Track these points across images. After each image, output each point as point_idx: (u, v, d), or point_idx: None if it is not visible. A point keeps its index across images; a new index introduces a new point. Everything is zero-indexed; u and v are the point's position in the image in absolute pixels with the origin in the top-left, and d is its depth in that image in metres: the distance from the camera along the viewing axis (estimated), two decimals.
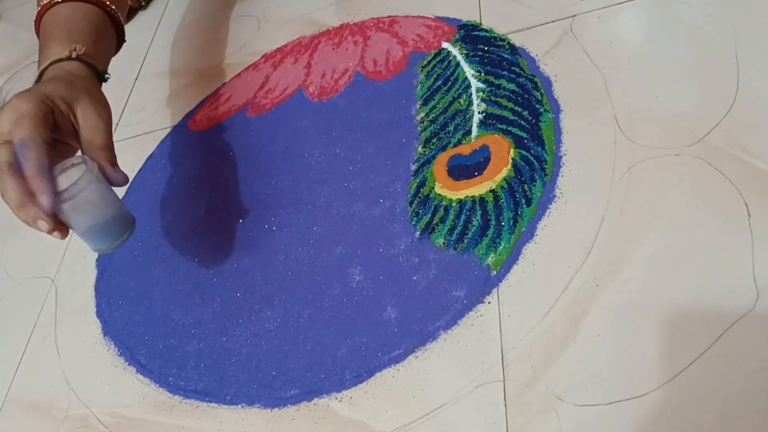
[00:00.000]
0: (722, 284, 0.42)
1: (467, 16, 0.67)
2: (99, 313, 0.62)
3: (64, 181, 0.47)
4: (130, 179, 0.73)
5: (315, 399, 0.49)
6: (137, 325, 0.59)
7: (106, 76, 0.58)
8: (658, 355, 0.41)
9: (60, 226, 0.47)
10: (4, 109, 0.47)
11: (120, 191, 0.72)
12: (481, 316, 0.47)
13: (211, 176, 0.67)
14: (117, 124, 0.80)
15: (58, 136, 0.50)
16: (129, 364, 0.57)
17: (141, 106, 0.80)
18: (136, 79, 0.85)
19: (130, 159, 0.75)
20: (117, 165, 0.51)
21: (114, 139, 0.76)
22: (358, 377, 0.48)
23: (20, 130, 0.46)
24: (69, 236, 0.49)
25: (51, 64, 0.53)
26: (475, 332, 0.47)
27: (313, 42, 0.74)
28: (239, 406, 0.51)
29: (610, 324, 0.43)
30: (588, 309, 0.45)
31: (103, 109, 0.52)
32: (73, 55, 0.54)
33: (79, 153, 0.52)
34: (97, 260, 0.67)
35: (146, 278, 0.62)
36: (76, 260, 0.68)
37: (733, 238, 0.44)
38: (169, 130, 0.75)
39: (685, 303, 0.42)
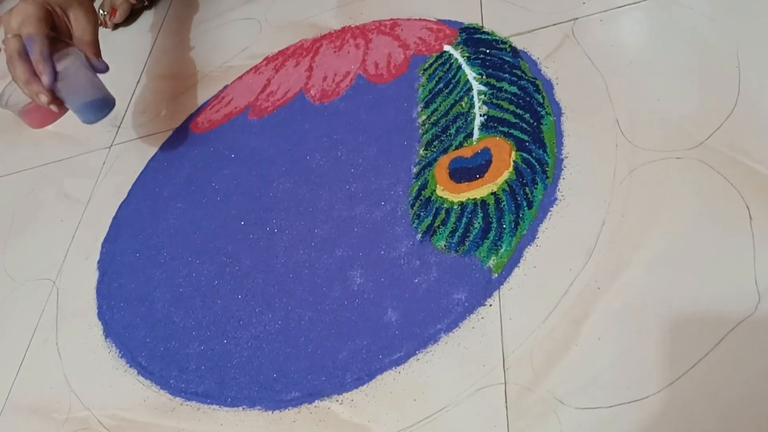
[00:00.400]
0: (723, 287, 0.42)
1: (469, 19, 0.67)
2: (100, 315, 0.62)
3: (60, 66, 0.61)
4: (133, 180, 0.73)
5: (316, 401, 0.49)
6: (138, 327, 0.59)
7: None
8: (659, 358, 0.41)
9: (56, 100, 0.62)
10: (13, 11, 0.62)
11: (122, 194, 0.72)
12: (482, 318, 0.47)
13: (213, 178, 0.67)
14: (119, 127, 0.80)
15: (56, 34, 0.64)
16: (130, 366, 0.57)
17: (143, 109, 0.81)
18: (138, 81, 0.85)
19: (132, 161, 0.75)
20: (101, 57, 0.66)
21: (117, 141, 0.77)
22: (359, 380, 0.48)
23: (27, 27, 0.60)
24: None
25: None
26: (476, 335, 0.47)
27: (314, 45, 0.74)
28: (240, 408, 0.51)
29: (611, 327, 0.43)
30: (589, 312, 0.44)
31: (91, 13, 0.67)
32: None
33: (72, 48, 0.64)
34: (98, 262, 0.67)
35: (147, 280, 0.62)
36: (78, 262, 0.68)
37: (735, 241, 0.44)
38: (170, 132, 0.75)
39: (686, 306, 0.42)
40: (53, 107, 0.62)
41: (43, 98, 0.61)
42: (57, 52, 0.62)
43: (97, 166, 0.77)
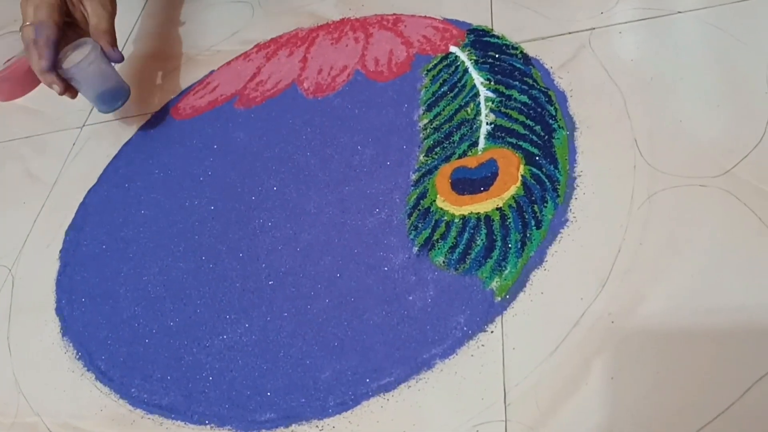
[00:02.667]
0: (750, 329, 0.39)
1: (478, 20, 0.63)
2: (59, 311, 0.57)
3: (76, 55, 0.62)
4: (104, 165, 0.68)
5: (293, 425, 0.44)
6: (100, 327, 0.54)
7: None
8: (679, 405, 0.37)
9: (70, 89, 0.63)
10: None
11: (92, 179, 0.67)
12: (482, 346, 0.43)
13: (192, 170, 0.62)
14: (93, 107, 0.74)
15: (71, 20, 0.64)
16: (88, 370, 0.52)
17: None
18: None
19: (105, 144, 0.70)
20: (117, 46, 0.64)
21: (89, 121, 0.72)
22: (343, 404, 0.44)
23: (39, 13, 0.61)
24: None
25: None
26: (475, 364, 0.43)
27: (310, 35, 0.70)
28: (208, 426, 0.46)
29: (626, 367, 0.40)
30: (602, 348, 0.41)
31: (108, 2, 0.64)
32: None
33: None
34: (61, 251, 0.61)
35: (113, 276, 0.57)
36: (38, 250, 0.62)
37: (762, 279, 0.40)
38: (149, 116, 0.70)
39: (709, 349, 0.39)
40: (67, 95, 0.63)
41: (57, 88, 0.61)
42: (72, 41, 0.63)
43: (66, 146, 0.72)
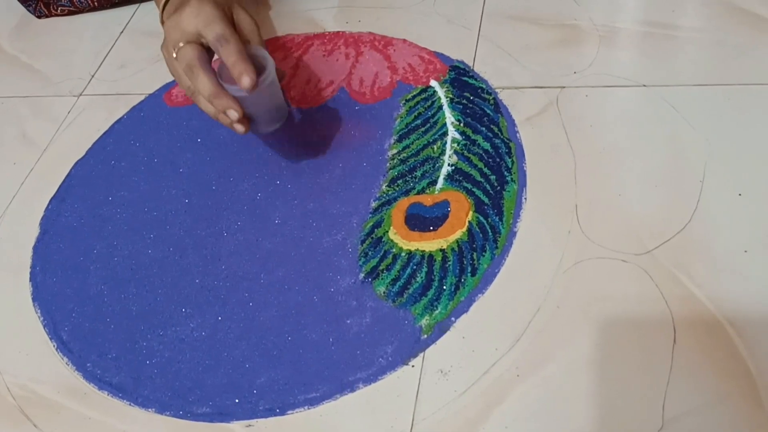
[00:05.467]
0: (632, 406, 0.44)
1: (462, 58, 0.67)
2: (32, 276, 0.61)
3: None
4: (94, 139, 0.71)
5: (223, 422, 0.49)
6: (68, 298, 0.59)
7: None
8: None
9: (244, 118, 0.54)
10: (183, 14, 0.54)
11: (81, 150, 0.71)
12: (402, 377, 0.48)
13: (174, 160, 0.66)
14: (93, 77, 0.78)
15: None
16: (51, 338, 0.57)
17: (121, 63, 0.79)
18: (122, 32, 0.83)
19: (98, 118, 0.73)
20: None
21: (87, 91, 0.75)
22: (271, 410, 0.49)
23: (216, 26, 0.53)
24: None
25: None
26: (393, 393, 0.48)
27: (305, 42, 0.73)
28: (150, 410, 0.51)
29: (520, 418, 0.45)
30: (503, 398, 0.46)
31: (252, 15, 0.58)
32: None
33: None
34: (41, 219, 0.65)
35: (87, 251, 0.62)
36: (21, 214, 0.67)
37: (654, 361, 0.45)
38: (143, 97, 0.74)
39: (593, 417, 0.44)
40: (238, 127, 0.54)
41: (234, 114, 0.53)
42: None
43: (62, 113, 0.75)
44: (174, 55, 0.54)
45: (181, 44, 0.54)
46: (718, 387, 0.43)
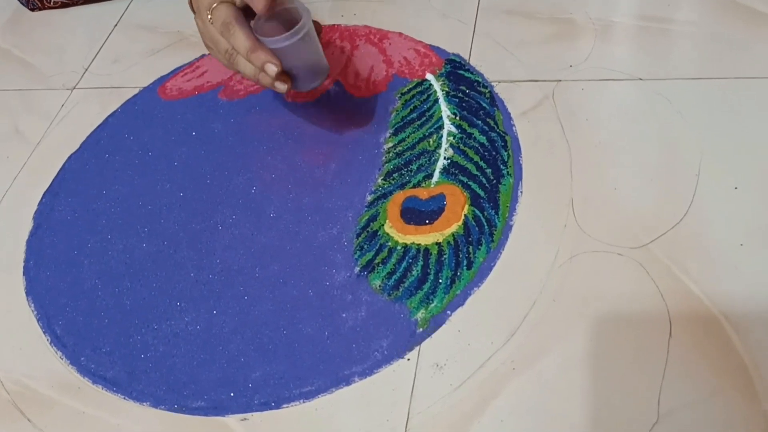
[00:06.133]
0: (627, 400, 0.43)
1: (458, 51, 0.67)
2: (26, 270, 0.61)
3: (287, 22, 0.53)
4: (88, 132, 0.71)
5: (218, 416, 0.49)
6: (61, 293, 0.59)
7: None
8: None
9: (284, 73, 0.53)
10: None
11: (75, 144, 0.70)
12: (397, 371, 0.48)
13: (168, 154, 0.66)
14: (86, 70, 0.78)
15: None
16: (44, 333, 0.56)
17: (115, 58, 0.78)
18: (116, 25, 0.82)
19: (91, 112, 0.73)
20: None
21: (80, 85, 0.75)
22: (266, 404, 0.49)
23: None
24: None
25: None
26: (388, 387, 0.48)
27: None
28: (144, 404, 0.51)
29: (515, 412, 0.45)
30: (499, 391, 0.46)
31: None
32: None
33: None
34: (35, 213, 0.65)
35: (80, 245, 0.61)
36: (14, 207, 0.66)
37: (650, 355, 0.45)
38: (137, 91, 0.73)
39: (588, 410, 0.44)
40: (279, 85, 0.53)
41: (272, 68, 0.52)
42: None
43: (55, 107, 0.75)
44: (209, 17, 0.54)
45: (215, 5, 0.53)
46: (714, 381, 0.43)
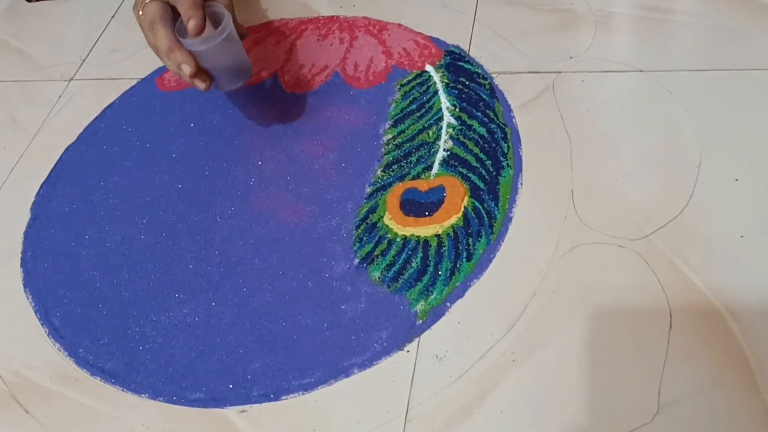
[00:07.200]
0: (628, 391, 0.43)
1: (457, 42, 0.66)
2: (23, 262, 0.61)
3: (209, 26, 0.55)
4: (86, 124, 0.71)
5: (217, 407, 0.49)
6: (59, 284, 0.58)
7: None
8: None
9: (201, 74, 0.55)
10: None
11: (72, 135, 0.70)
12: (397, 363, 0.48)
13: (167, 145, 0.66)
14: (84, 61, 0.77)
15: None
16: (42, 324, 0.56)
17: (113, 48, 0.78)
18: (114, 16, 0.82)
19: (89, 102, 0.72)
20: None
21: (78, 76, 0.74)
22: (265, 396, 0.49)
23: None
24: None
25: None
26: (387, 379, 0.47)
27: (299, 27, 0.73)
28: (143, 395, 0.51)
29: (515, 403, 0.44)
30: (498, 383, 0.45)
31: None
32: None
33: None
34: (32, 204, 0.65)
35: (78, 237, 0.61)
36: (11, 198, 0.66)
37: (651, 346, 0.45)
38: (135, 82, 0.73)
39: (588, 401, 0.43)
40: (198, 83, 0.55)
41: (187, 69, 0.54)
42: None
43: (52, 97, 0.74)
44: (140, 13, 0.56)
45: (147, 1, 0.55)
46: (714, 371, 0.43)
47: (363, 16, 0.72)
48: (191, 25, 0.53)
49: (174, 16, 0.56)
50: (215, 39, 0.54)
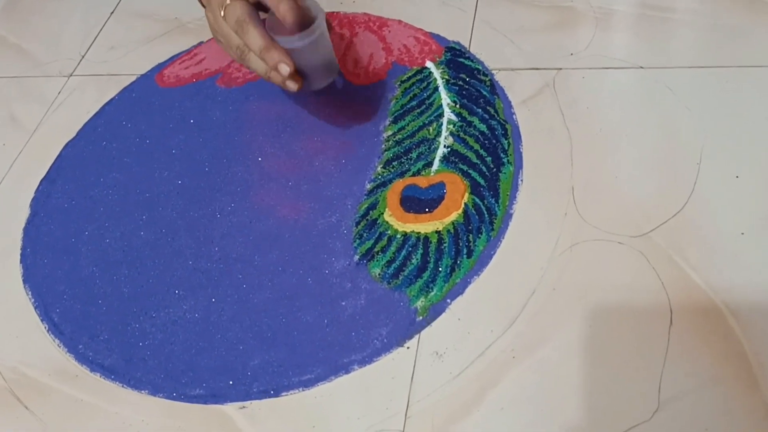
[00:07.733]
0: (628, 388, 0.43)
1: (458, 39, 0.66)
2: (23, 258, 0.61)
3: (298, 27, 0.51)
4: (85, 120, 0.70)
5: (217, 404, 0.49)
6: (59, 280, 0.58)
7: None
8: None
9: (296, 74, 0.52)
10: None
11: (72, 131, 0.70)
12: (397, 359, 0.48)
13: (166, 141, 0.66)
14: (83, 57, 0.77)
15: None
16: (41, 320, 0.56)
17: (111, 45, 0.77)
18: (112, 13, 0.81)
19: (88, 99, 0.72)
20: None
21: (77, 72, 0.74)
22: (265, 393, 0.48)
23: None
24: None
25: None
26: (387, 375, 0.47)
27: None
28: (142, 392, 0.51)
29: (515, 401, 0.44)
30: (498, 380, 0.45)
31: None
32: None
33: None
34: (32, 200, 0.65)
35: (78, 233, 0.61)
36: (11, 195, 0.66)
37: (651, 343, 0.45)
38: (134, 78, 0.73)
39: (588, 398, 0.43)
40: (290, 84, 0.53)
41: (285, 68, 0.51)
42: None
43: (51, 94, 0.74)
44: (221, 13, 0.53)
45: (228, 1, 0.52)
46: (714, 369, 0.43)
47: (363, 12, 0.72)
48: (288, 17, 0.49)
49: (258, 15, 0.54)
50: (312, 34, 0.52)
